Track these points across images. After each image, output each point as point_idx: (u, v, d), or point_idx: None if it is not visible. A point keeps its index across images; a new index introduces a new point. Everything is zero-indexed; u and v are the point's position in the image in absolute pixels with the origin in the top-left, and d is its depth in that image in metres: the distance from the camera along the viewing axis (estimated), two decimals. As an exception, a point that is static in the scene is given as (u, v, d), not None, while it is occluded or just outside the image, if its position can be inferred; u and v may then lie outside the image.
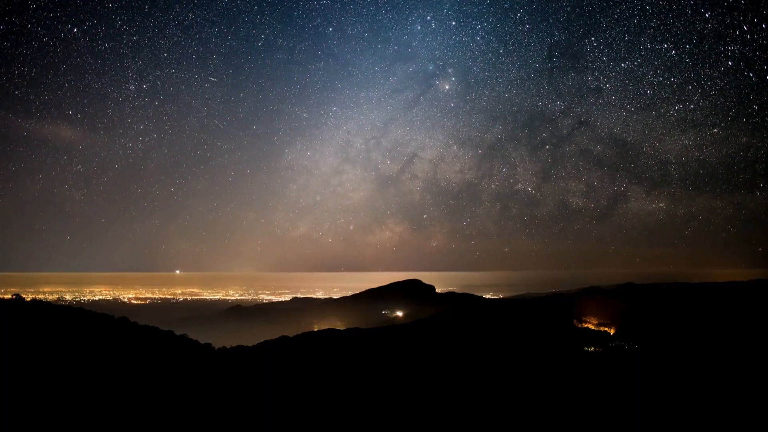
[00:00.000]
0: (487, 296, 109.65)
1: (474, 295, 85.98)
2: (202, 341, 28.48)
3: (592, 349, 39.16)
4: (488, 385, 25.45)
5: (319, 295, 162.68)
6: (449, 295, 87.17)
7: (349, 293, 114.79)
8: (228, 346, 29.66)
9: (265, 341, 33.77)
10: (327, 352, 31.05)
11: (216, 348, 28.14)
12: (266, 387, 21.49)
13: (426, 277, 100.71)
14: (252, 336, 46.31)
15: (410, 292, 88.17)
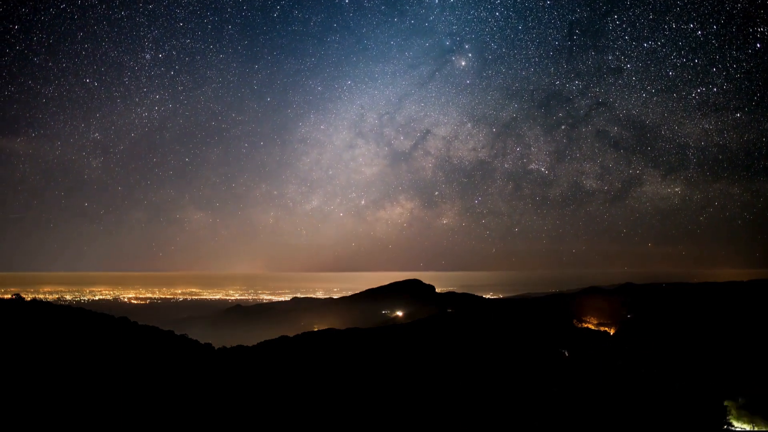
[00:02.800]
0: (487, 296, 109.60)
1: (474, 295, 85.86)
2: (202, 341, 28.47)
3: (592, 348, 39.15)
4: (487, 385, 25.44)
5: (319, 295, 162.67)
6: (449, 295, 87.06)
7: (349, 293, 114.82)
8: (228, 346, 29.66)
9: (265, 341, 33.77)
10: (327, 352, 31.06)
11: (216, 348, 28.14)
12: (266, 387, 21.50)
13: (426, 277, 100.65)
14: (252, 336, 46.31)
15: (410, 292, 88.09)
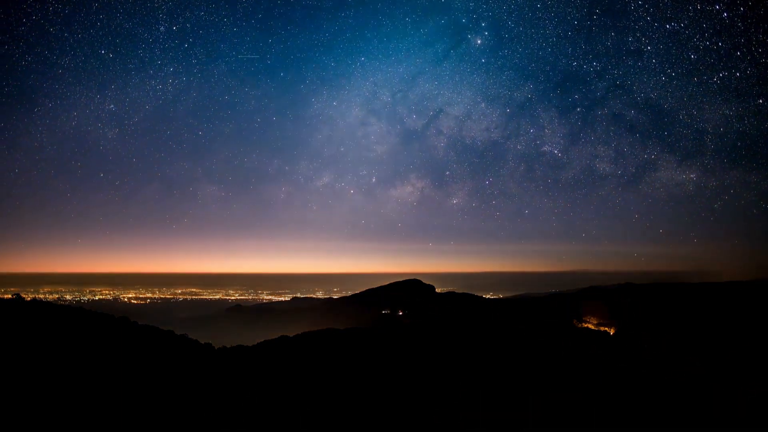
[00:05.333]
0: (487, 296, 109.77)
1: (474, 295, 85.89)
2: (202, 341, 28.49)
3: (592, 349, 39.17)
4: (488, 385, 25.47)
5: (319, 295, 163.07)
6: (449, 295, 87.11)
7: (349, 293, 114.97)
8: (228, 346, 29.67)
9: (265, 341, 33.79)
10: (327, 352, 31.09)
11: (216, 348, 28.15)
12: (266, 387, 21.51)
13: (426, 277, 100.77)
14: (252, 336, 46.36)
15: (410, 292, 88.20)
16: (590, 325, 52.22)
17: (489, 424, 20.23)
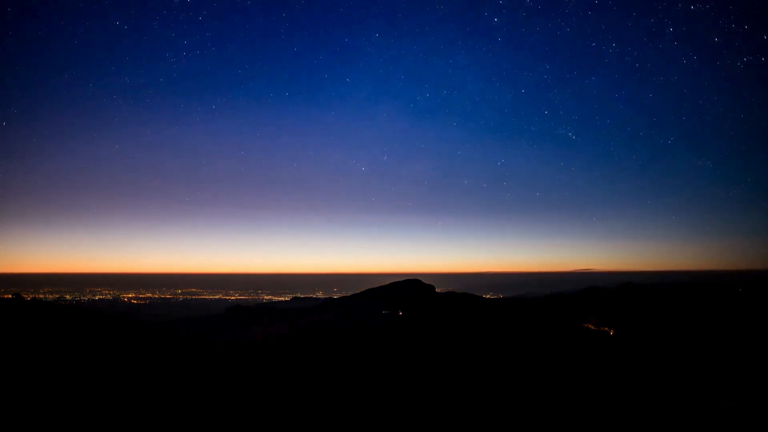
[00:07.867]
0: (487, 296, 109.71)
1: (474, 295, 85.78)
2: (202, 341, 28.51)
3: (593, 348, 39.14)
4: (488, 385, 25.45)
5: (319, 295, 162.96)
6: (449, 295, 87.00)
7: (349, 293, 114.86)
8: (228, 346, 29.68)
9: (265, 341, 33.81)
10: (327, 352, 31.08)
11: (216, 348, 28.16)
12: (266, 386, 21.49)
13: (426, 277, 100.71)
14: (252, 336, 46.34)
15: (410, 292, 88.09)
16: (591, 326, 52.17)
17: (489, 424, 20.22)
